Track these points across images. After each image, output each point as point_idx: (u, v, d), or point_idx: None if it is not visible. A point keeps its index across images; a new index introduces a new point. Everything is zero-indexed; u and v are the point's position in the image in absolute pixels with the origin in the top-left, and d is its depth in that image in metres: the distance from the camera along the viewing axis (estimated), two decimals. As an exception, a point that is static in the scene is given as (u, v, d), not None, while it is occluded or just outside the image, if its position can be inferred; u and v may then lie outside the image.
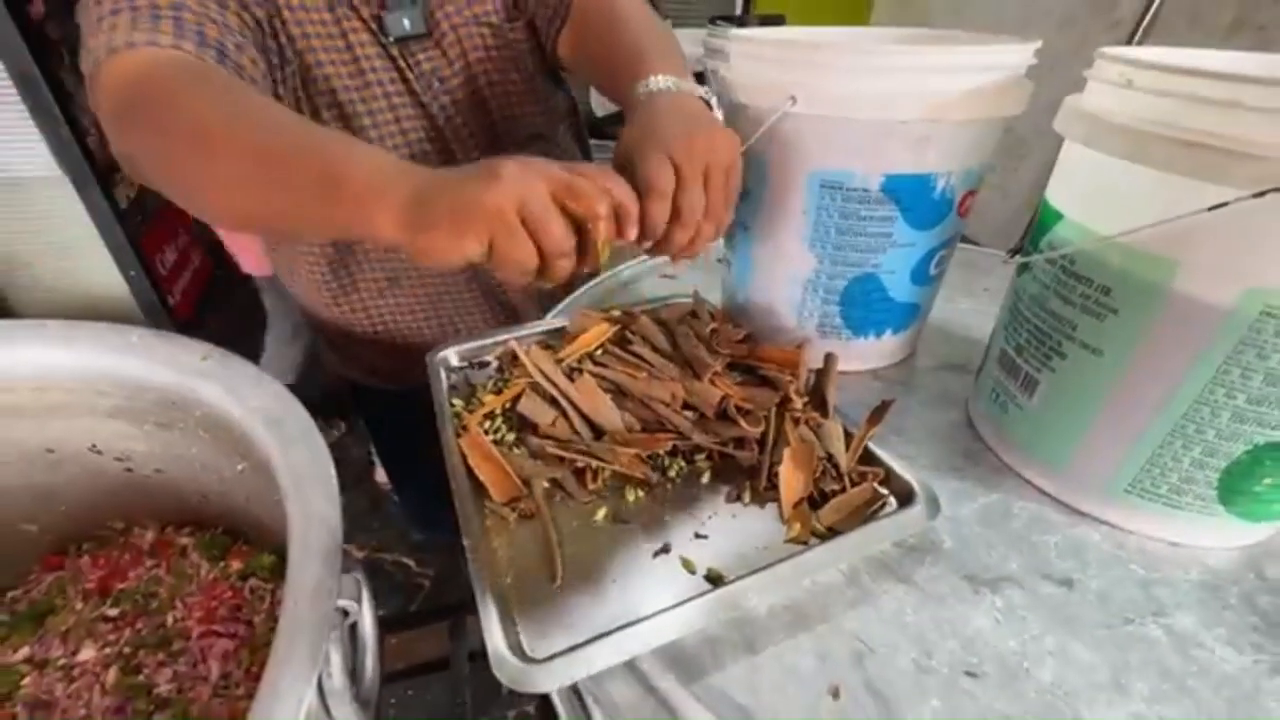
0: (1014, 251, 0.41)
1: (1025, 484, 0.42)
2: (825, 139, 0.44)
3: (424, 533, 1.42)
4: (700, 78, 1.58)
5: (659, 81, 0.45)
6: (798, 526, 0.37)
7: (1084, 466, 0.39)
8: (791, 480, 0.39)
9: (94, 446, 0.70)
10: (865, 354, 0.53)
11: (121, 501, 0.76)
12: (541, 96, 0.70)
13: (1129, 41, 1.16)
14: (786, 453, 0.40)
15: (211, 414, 0.59)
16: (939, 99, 0.40)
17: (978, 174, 0.46)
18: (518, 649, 0.30)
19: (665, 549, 0.37)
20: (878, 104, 0.41)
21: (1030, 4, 1.37)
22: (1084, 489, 0.39)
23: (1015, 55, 0.42)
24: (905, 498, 0.38)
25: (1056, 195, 0.39)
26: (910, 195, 0.44)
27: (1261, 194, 0.26)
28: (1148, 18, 1.10)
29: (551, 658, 0.29)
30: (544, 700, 1.05)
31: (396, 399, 0.86)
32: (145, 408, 0.64)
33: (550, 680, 0.28)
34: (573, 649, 0.29)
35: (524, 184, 0.32)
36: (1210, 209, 0.28)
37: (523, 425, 0.45)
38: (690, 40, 1.63)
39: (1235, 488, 0.34)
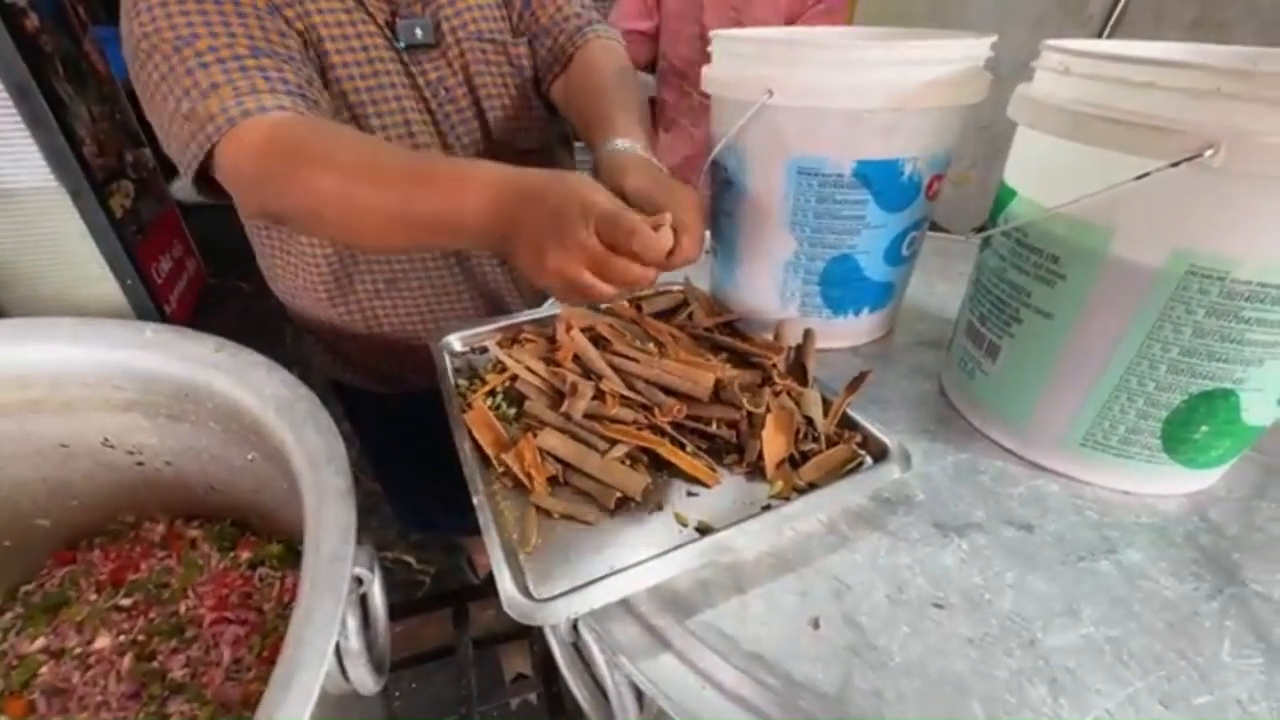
0: (979, 230, 0.45)
1: (992, 444, 0.46)
2: (800, 128, 0.47)
3: (419, 533, 1.44)
4: None
5: (625, 143, 0.54)
6: (780, 483, 0.41)
7: (1042, 423, 0.42)
8: (773, 442, 0.42)
9: (106, 440, 0.72)
10: (845, 332, 0.56)
11: (132, 495, 0.78)
12: (537, 115, 0.74)
13: (1098, 38, 1.20)
14: (769, 418, 0.43)
15: (224, 404, 0.62)
16: (902, 89, 0.44)
17: (943, 159, 0.50)
18: (525, 591, 0.33)
19: (659, 506, 0.40)
20: (847, 94, 0.44)
21: (1004, 5, 1.42)
22: (1043, 445, 0.43)
23: (973, 48, 0.46)
24: (880, 456, 0.42)
25: (1011, 175, 0.42)
26: (880, 179, 0.47)
27: (1176, 164, 0.29)
28: (1115, 15, 1.14)
29: (556, 596, 0.32)
30: (547, 687, 1.06)
31: (388, 403, 0.89)
32: (159, 401, 0.66)
33: (556, 615, 0.31)
34: (575, 589, 0.32)
35: (567, 273, 0.40)
36: (1135, 179, 0.31)
37: (522, 400, 0.48)
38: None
39: (1176, 436, 0.38)
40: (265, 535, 0.80)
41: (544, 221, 0.40)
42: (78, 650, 0.70)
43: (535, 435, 0.43)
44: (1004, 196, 0.42)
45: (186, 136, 0.49)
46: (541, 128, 0.75)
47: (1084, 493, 0.41)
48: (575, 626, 0.34)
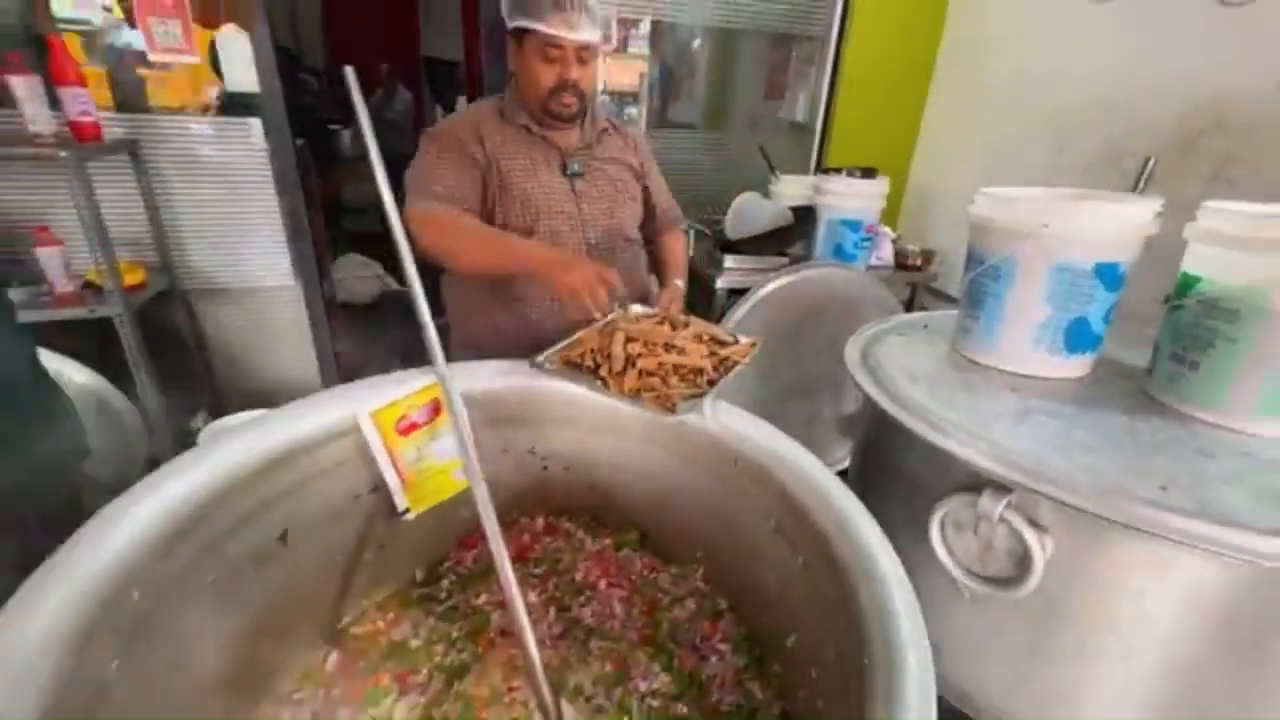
0: (1167, 300, 0.80)
1: (1198, 422, 0.78)
2: (1062, 245, 0.84)
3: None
4: (810, 211, 2.08)
5: (678, 283, 1.30)
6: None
7: (1234, 404, 0.75)
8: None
9: (533, 449, 1.02)
10: (1076, 366, 0.90)
11: (522, 494, 1.05)
12: (635, 219, 1.39)
13: (1133, 187, 1.67)
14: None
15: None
16: (1125, 227, 0.81)
17: (1133, 262, 0.86)
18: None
19: (1036, 444, 0.71)
20: (1092, 230, 0.82)
21: (1061, 157, 1.92)
22: (1232, 416, 0.75)
23: (1152, 207, 0.84)
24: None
25: (1190, 266, 0.78)
26: (1107, 273, 0.83)
27: (1308, 261, 0.65)
28: (1147, 171, 1.60)
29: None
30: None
31: None
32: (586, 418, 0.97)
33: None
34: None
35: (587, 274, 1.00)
36: (1286, 268, 0.67)
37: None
38: (799, 184, 2.14)
39: (1317, 403, 0.70)
40: (614, 527, 1.07)
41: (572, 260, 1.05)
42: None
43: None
44: (1188, 281, 0.78)
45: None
46: (637, 229, 1.40)
47: (1255, 440, 0.73)
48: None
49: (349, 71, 0.85)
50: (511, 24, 1.13)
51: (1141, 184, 1.71)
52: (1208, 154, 1.62)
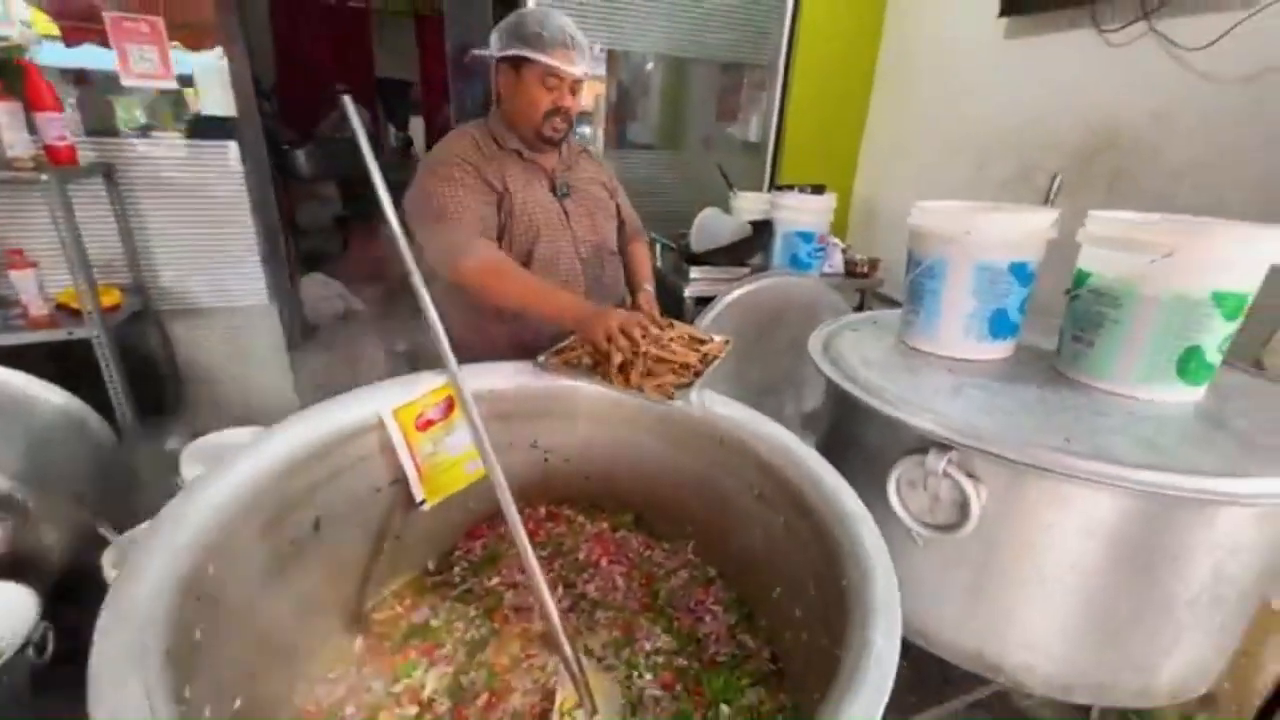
0: (1068, 291, 0.98)
1: (1093, 389, 0.95)
2: (981, 248, 1.01)
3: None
4: (767, 225, 2.29)
5: (648, 287, 1.45)
6: (1018, 400, 0.88)
7: (1119, 374, 0.92)
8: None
9: (535, 443, 1.12)
10: (1000, 349, 1.07)
11: (526, 486, 1.15)
12: (614, 234, 1.53)
13: (1044, 200, 1.91)
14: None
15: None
16: (1030, 232, 0.99)
17: (1039, 261, 1.04)
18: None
19: (969, 411, 0.87)
20: (1004, 236, 0.99)
21: (980, 173, 2.16)
22: (1121, 382, 0.93)
23: (1050, 216, 1.02)
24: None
25: (1083, 264, 0.96)
26: (1019, 270, 1.01)
27: (1166, 256, 0.83)
28: (1055, 185, 1.84)
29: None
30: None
31: None
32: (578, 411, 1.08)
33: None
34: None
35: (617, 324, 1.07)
36: (1150, 262, 0.84)
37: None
38: (756, 200, 2.33)
39: (1183, 369, 0.89)
40: (611, 511, 1.18)
41: (604, 312, 1.11)
42: (526, 583, 1.04)
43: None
44: (1081, 276, 0.96)
45: (442, 256, 1.21)
46: (617, 239, 1.55)
47: (1137, 401, 0.91)
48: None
49: (346, 100, 0.95)
50: (507, 53, 1.25)
51: (1051, 196, 1.97)
52: (1103, 170, 1.88)
